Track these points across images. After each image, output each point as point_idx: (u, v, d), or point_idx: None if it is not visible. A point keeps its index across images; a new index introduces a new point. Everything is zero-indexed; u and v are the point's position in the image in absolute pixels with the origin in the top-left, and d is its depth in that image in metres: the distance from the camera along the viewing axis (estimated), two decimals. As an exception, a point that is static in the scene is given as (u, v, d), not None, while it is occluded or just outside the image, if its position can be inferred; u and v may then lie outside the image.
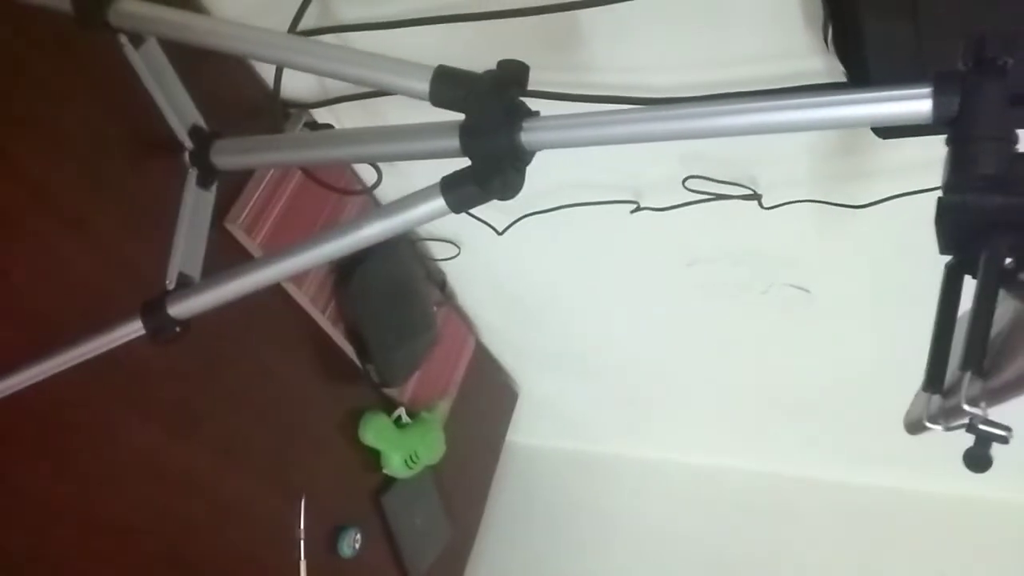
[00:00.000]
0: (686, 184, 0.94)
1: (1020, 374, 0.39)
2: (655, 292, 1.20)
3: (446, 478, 1.34)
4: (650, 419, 1.54)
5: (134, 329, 0.64)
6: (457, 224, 1.16)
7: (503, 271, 1.28)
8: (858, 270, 0.99)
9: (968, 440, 0.48)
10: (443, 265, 1.32)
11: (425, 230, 1.26)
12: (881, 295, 1.01)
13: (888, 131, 0.70)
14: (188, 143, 0.70)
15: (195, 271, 0.67)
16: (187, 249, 0.67)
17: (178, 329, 0.64)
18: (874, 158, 0.85)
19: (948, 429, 0.49)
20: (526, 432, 1.67)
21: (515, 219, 1.10)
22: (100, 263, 0.78)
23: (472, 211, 1.12)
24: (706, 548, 1.45)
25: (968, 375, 0.45)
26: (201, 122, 0.72)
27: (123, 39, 0.63)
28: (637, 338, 1.34)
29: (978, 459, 0.46)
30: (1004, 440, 0.46)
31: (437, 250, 1.28)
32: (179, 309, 0.64)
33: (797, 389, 1.29)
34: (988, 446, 0.46)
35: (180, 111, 0.70)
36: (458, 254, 1.26)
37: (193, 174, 0.70)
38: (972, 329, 0.45)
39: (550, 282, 1.27)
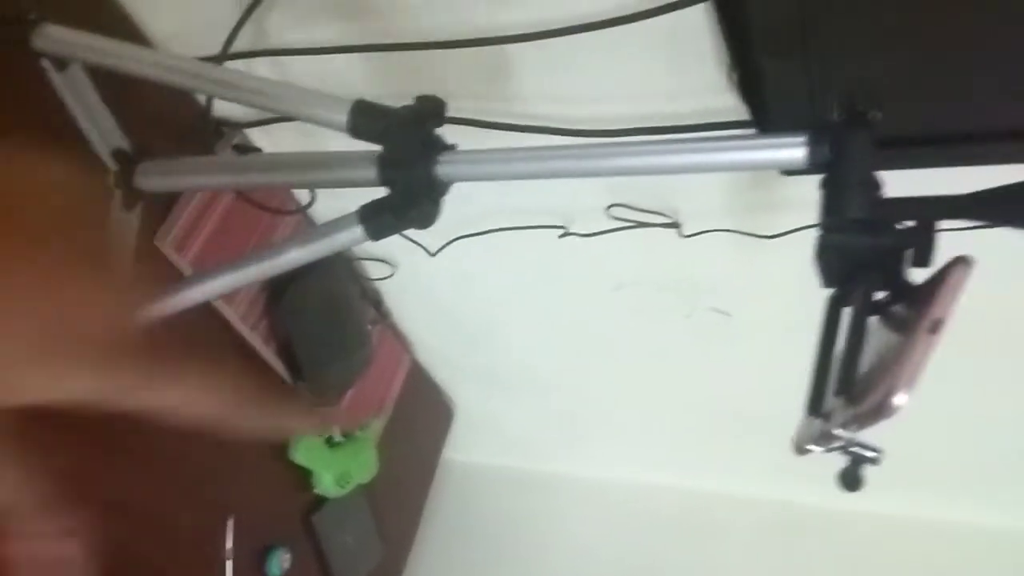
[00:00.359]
0: (610, 212, 0.98)
1: (879, 401, 0.42)
2: (586, 314, 1.24)
3: (379, 496, 1.35)
4: (585, 438, 1.57)
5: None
6: (392, 244, 1.17)
7: (438, 291, 1.30)
8: (771, 296, 1.04)
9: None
10: (379, 284, 1.33)
11: (361, 249, 1.27)
12: (792, 320, 1.05)
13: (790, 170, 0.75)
14: (112, 165, 0.71)
15: (116, 292, 0.67)
16: (108, 270, 0.67)
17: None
18: (782, 192, 0.90)
19: (827, 451, 0.52)
20: (463, 450, 1.68)
21: (447, 241, 1.12)
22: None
23: (405, 232, 1.15)
24: (640, 567, 1.48)
25: (840, 401, 0.49)
26: (125, 145, 0.73)
27: (46, 63, 0.64)
28: (571, 359, 1.38)
29: (850, 479, 0.50)
30: (874, 462, 0.50)
31: (373, 269, 1.29)
32: (98, 330, 0.64)
33: (722, 408, 1.34)
34: (859, 466, 0.50)
35: (104, 133, 0.71)
36: (393, 273, 1.27)
37: (118, 196, 0.71)
38: (844, 358, 0.49)
39: (484, 302, 1.30)
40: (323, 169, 0.62)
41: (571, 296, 1.21)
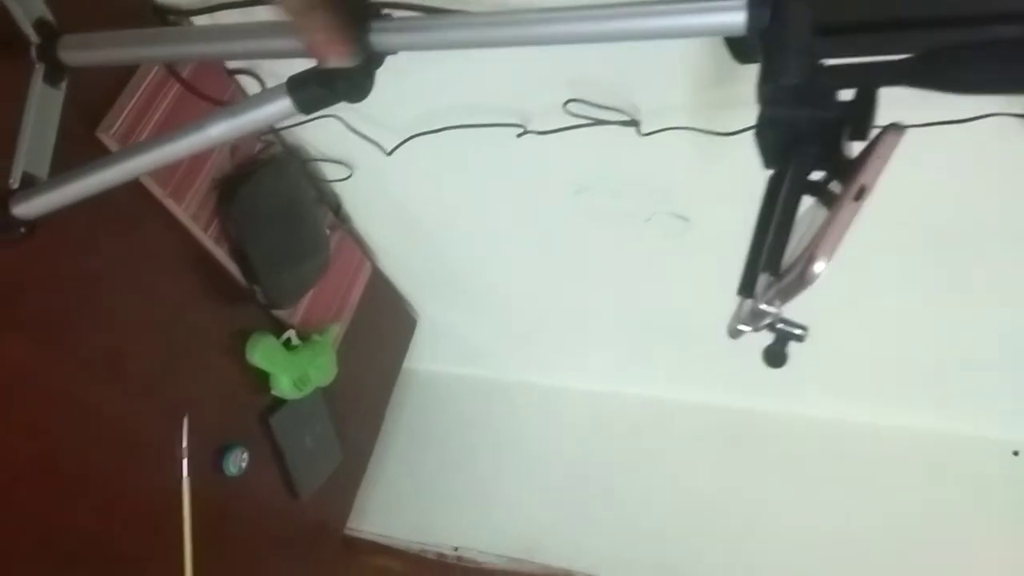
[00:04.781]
0: (567, 107, 0.95)
1: (800, 270, 0.42)
2: (545, 219, 1.22)
3: (340, 401, 1.36)
4: (542, 346, 1.59)
5: (-26, 228, 0.62)
6: (347, 144, 1.15)
7: (396, 194, 1.28)
8: (729, 197, 1.02)
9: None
10: (337, 188, 1.31)
11: (317, 150, 1.24)
12: (750, 221, 1.05)
13: (743, 55, 0.72)
14: (34, 37, 0.67)
15: (42, 171, 0.65)
16: (33, 148, 0.64)
17: (23, 230, 0.63)
18: (743, 88, 0.88)
19: (756, 329, 0.52)
20: (425, 359, 1.69)
21: (403, 139, 1.09)
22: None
23: (359, 129, 1.12)
24: (590, 468, 1.52)
25: (766, 276, 0.48)
26: (48, 15, 0.69)
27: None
28: (530, 265, 1.37)
29: (774, 355, 0.50)
30: (799, 339, 0.50)
31: (330, 171, 1.26)
32: (23, 208, 0.62)
33: (681, 315, 1.34)
34: (785, 343, 0.50)
35: (26, 3, 0.67)
36: (350, 175, 1.24)
37: (40, 70, 0.67)
38: (773, 234, 0.49)
39: (443, 206, 1.28)
40: (253, 38, 0.59)
41: (530, 200, 1.19)
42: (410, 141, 1.09)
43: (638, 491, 1.47)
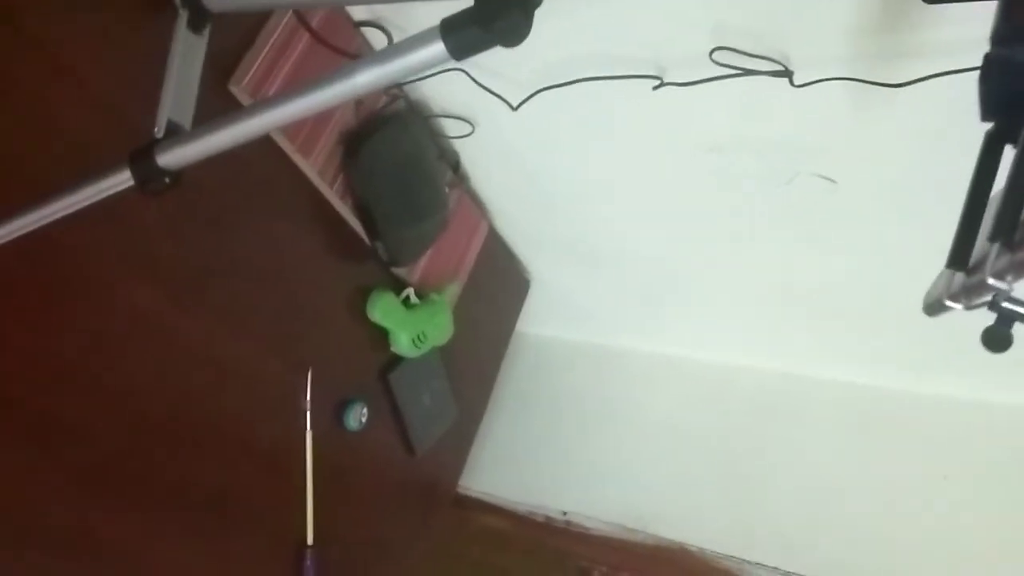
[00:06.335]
0: (713, 57, 0.88)
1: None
2: (675, 178, 1.15)
3: (454, 360, 1.35)
4: (663, 314, 1.52)
5: (122, 179, 0.62)
6: (471, 99, 1.11)
7: (518, 151, 1.24)
8: (891, 156, 0.93)
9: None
10: (457, 144, 1.28)
11: (438, 106, 1.21)
12: (913, 185, 0.95)
13: (937, -7, 0.64)
14: (178, -17, 0.66)
15: (186, 120, 0.64)
16: (177, 96, 0.64)
17: (167, 180, 0.62)
18: (915, 36, 0.79)
19: (969, 307, 0.46)
20: (537, 322, 1.66)
21: (530, 93, 1.04)
22: (89, 111, 0.75)
23: (485, 84, 1.08)
24: (709, 441, 1.46)
25: (996, 247, 0.42)
26: (192, -39, 0.67)
27: None
28: (653, 229, 1.30)
29: (998, 337, 0.43)
30: (1028, 319, 0.43)
31: (451, 127, 1.23)
32: (168, 158, 0.61)
33: (816, 287, 1.26)
34: (1010, 324, 0.43)
35: (171, -52, 0.66)
36: (472, 132, 1.21)
37: (184, 16, 0.66)
38: (1006, 197, 0.42)
39: (566, 165, 1.23)
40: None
41: (660, 159, 1.13)
42: (537, 95, 1.04)
43: (760, 468, 1.40)
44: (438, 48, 0.51)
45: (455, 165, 1.31)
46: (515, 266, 1.57)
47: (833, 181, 1.03)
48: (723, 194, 1.13)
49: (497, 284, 1.50)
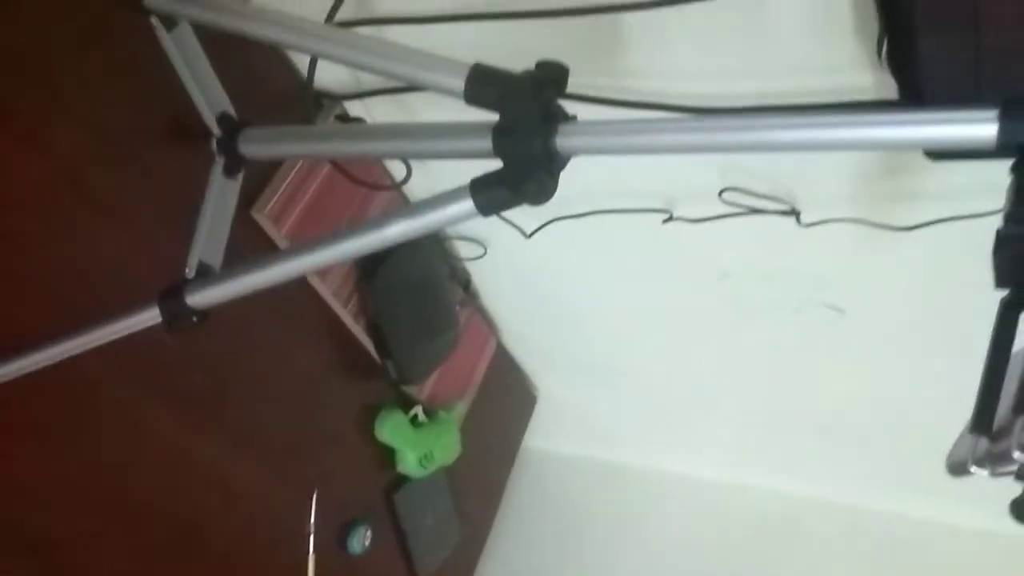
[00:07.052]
0: (722, 196, 0.91)
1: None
2: (684, 304, 1.17)
3: (460, 479, 1.33)
4: (670, 431, 1.51)
5: (151, 316, 0.63)
6: (485, 224, 1.14)
7: (529, 274, 1.26)
8: (897, 294, 0.95)
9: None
10: (468, 265, 1.30)
11: (452, 229, 1.24)
12: (919, 321, 0.97)
13: (941, 153, 0.67)
14: (216, 130, 0.69)
15: (216, 260, 0.66)
16: (209, 238, 0.66)
17: (195, 319, 0.63)
18: (921, 179, 0.82)
19: (995, 475, 0.46)
20: (543, 437, 1.65)
21: (544, 222, 1.07)
22: (126, 248, 0.77)
23: (502, 214, 1.11)
24: (716, 564, 1.42)
25: (1022, 420, 0.42)
26: (231, 110, 0.71)
27: (155, 21, 0.62)
28: (662, 349, 1.31)
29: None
30: (1055, 491, 0.43)
31: (463, 249, 1.26)
32: (197, 299, 0.62)
33: (823, 410, 1.26)
34: (1038, 496, 0.43)
35: (210, 97, 0.69)
36: (484, 254, 1.24)
37: (220, 162, 0.69)
38: (1027, 370, 0.43)
39: (576, 288, 1.25)
40: (436, 138, 0.58)
41: (669, 285, 1.15)
42: (551, 224, 1.07)
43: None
44: (467, 206, 0.53)
45: (466, 284, 1.33)
46: (523, 381, 1.57)
47: (841, 311, 1.05)
48: (733, 319, 1.15)
49: (505, 399, 1.50)
